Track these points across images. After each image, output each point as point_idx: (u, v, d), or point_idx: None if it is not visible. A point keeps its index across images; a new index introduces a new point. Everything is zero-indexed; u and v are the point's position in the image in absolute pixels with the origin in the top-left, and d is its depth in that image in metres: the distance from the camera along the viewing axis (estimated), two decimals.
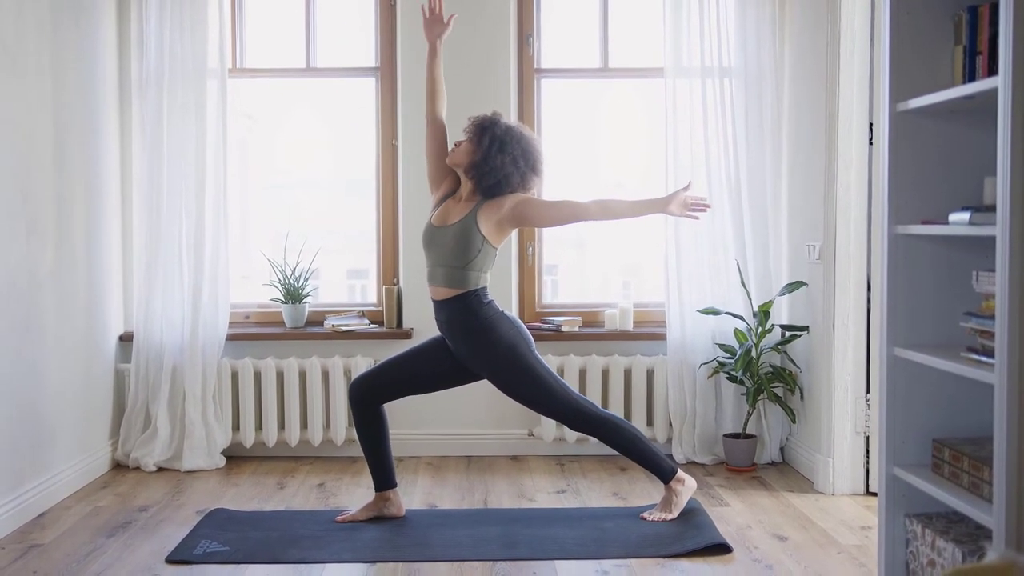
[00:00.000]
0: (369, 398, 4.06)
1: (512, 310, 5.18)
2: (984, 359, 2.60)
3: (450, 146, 4.07)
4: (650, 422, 5.21)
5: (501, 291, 5.02)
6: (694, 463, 5.06)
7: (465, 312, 3.92)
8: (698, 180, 5.01)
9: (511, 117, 5.16)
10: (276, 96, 5.60)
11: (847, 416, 4.51)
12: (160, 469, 4.99)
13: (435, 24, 4.12)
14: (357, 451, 5.15)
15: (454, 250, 3.90)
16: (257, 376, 5.17)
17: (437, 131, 4.13)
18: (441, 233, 3.95)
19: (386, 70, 5.32)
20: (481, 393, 5.06)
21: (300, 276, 5.27)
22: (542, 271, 5.43)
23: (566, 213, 3.99)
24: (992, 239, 2.47)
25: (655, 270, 5.39)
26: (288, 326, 5.27)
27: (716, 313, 4.95)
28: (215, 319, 5.06)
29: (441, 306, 3.98)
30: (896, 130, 2.96)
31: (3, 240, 4.00)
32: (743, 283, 4.99)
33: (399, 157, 5.27)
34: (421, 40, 5.12)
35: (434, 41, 4.11)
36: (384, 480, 4.12)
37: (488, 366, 3.98)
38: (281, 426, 5.19)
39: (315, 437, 5.15)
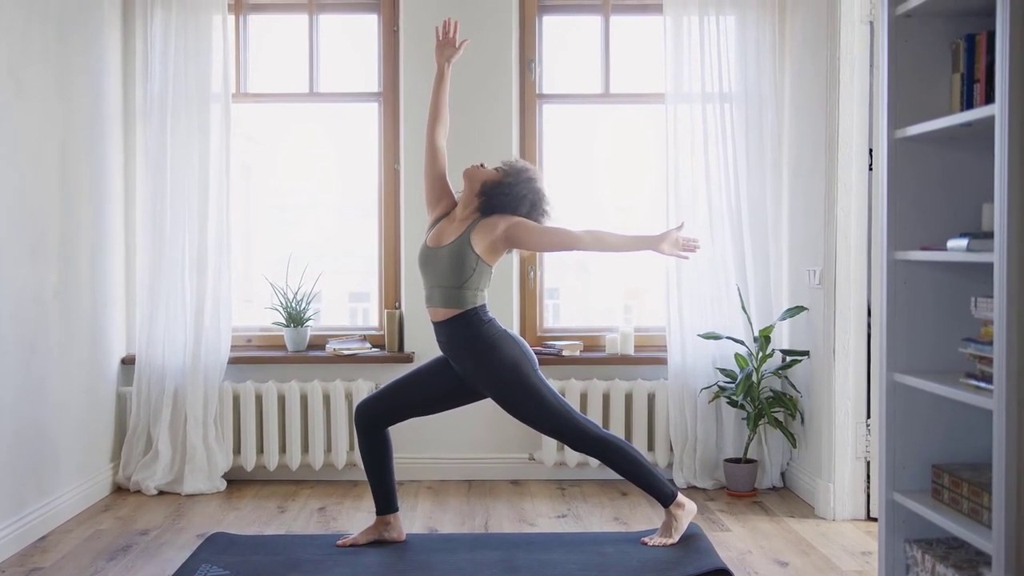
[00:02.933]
0: (375, 422, 4.06)
1: None
2: (983, 385, 2.61)
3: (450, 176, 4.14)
4: (651, 447, 5.21)
5: (502, 315, 5.01)
6: (695, 488, 5.05)
7: (466, 331, 3.93)
8: (698, 205, 5.04)
9: (513, 141, 5.20)
10: (279, 120, 5.63)
11: (848, 441, 4.51)
12: (161, 492, 4.99)
13: (446, 47, 4.16)
14: (358, 475, 5.16)
15: (449, 270, 3.91)
16: (259, 399, 5.18)
17: (436, 154, 4.16)
18: (436, 254, 3.97)
19: (389, 95, 5.36)
20: (482, 417, 5.08)
21: (302, 300, 5.28)
22: (543, 295, 5.45)
23: (558, 241, 4.01)
24: (991, 265, 2.48)
25: (657, 295, 5.40)
26: (290, 350, 5.28)
27: (717, 338, 4.96)
28: (217, 342, 5.08)
29: (441, 327, 3.99)
30: (895, 157, 2.99)
31: (8, 262, 4.02)
32: (744, 308, 5.00)
33: (401, 181, 5.29)
34: (424, 66, 5.19)
35: (443, 64, 4.16)
36: (386, 504, 4.12)
37: (491, 385, 3.99)
38: (282, 450, 5.19)
39: (316, 461, 5.15)
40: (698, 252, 4.22)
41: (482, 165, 4.06)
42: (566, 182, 5.50)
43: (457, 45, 4.15)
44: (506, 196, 3.95)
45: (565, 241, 4.00)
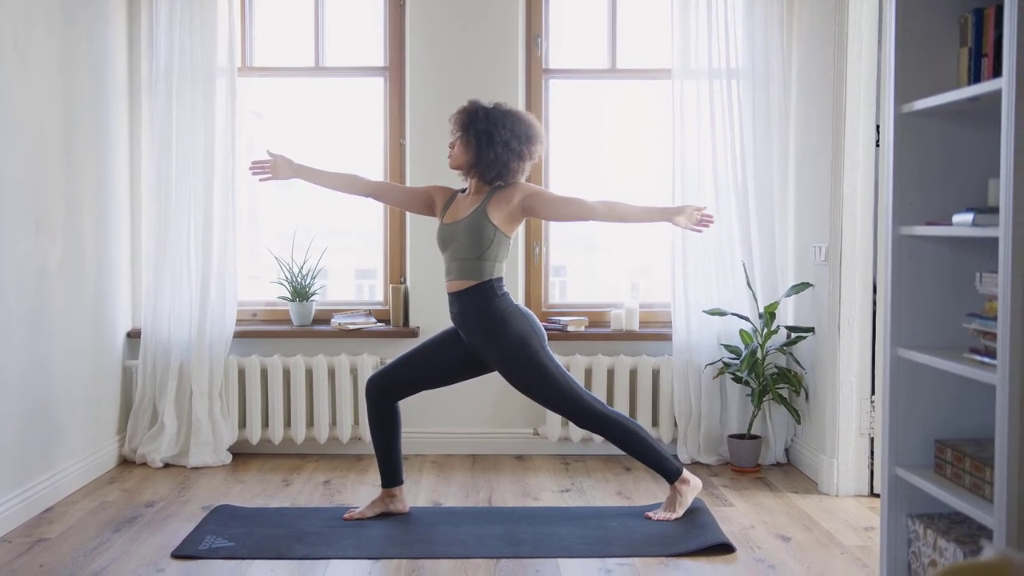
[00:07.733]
0: (385, 395, 4.09)
1: None
2: (986, 360, 2.60)
3: (406, 183, 4.14)
4: (655, 422, 5.21)
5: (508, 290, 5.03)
6: (699, 463, 5.06)
7: (479, 302, 3.93)
8: (705, 181, 5.03)
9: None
10: (285, 95, 5.62)
11: (852, 417, 4.51)
12: (167, 465, 5.02)
13: (276, 168, 4.16)
14: (362, 448, 5.18)
15: (468, 242, 3.93)
16: (264, 373, 5.19)
17: (389, 192, 4.28)
18: (453, 229, 3.98)
19: (395, 69, 5.34)
20: (487, 392, 5.09)
21: (307, 274, 5.29)
22: (549, 271, 5.45)
23: (573, 211, 4.04)
24: (996, 240, 2.47)
25: (663, 271, 5.40)
26: (295, 324, 5.29)
27: (722, 314, 4.95)
28: (222, 316, 5.09)
29: (455, 298, 3.99)
30: (901, 131, 2.97)
31: (13, 236, 4.03)
32: (749, 284, 4.99)
33: (407, 156, 5.29)
34: (430, 40, 5.19)
35: (296, 175, 4.17)
36: (392, 477, 4.15)
37: (498, 358, 3.99)
38: (287, 423, 5.21)
39: (321, 434, 5.17)
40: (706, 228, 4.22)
41: (451, 145, 4.03)
42: (572, 158, 5.49)
43: (273, 157, 4.14)
44: (492, 167, 3.94)
45: (580, 211, 4.03)
